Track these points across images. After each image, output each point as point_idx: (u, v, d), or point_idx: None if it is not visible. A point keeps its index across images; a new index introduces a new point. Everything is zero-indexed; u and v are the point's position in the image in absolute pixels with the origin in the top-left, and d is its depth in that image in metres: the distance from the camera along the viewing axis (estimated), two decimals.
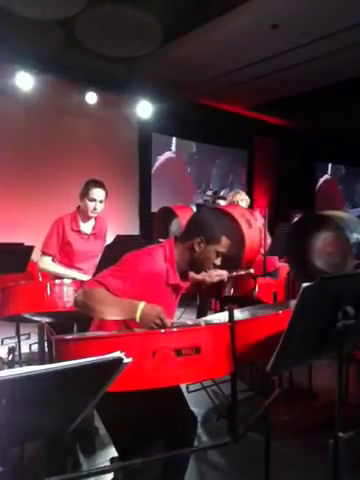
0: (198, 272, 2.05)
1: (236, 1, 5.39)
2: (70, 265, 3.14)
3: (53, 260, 3.14)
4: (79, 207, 3.20)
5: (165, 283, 1.88)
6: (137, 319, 1.65)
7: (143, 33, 5.84)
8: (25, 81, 6.53)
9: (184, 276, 1.98)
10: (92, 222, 3.24)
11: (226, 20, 5.77)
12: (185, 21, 5.82)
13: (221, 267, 2.18)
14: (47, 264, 3.11)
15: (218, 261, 1.95)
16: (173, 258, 1.90)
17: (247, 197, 4.47)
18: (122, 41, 5.92)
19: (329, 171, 12.34)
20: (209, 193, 5.18)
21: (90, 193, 3.10)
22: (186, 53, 6.68)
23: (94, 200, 3.11)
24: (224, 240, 1.92)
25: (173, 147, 9.53)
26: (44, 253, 3.13)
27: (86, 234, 3.19)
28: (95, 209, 3.13)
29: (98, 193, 3.12)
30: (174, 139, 9.46)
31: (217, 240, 1.90)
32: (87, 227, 3.21)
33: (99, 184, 3.15)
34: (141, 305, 1.65)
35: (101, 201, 3.15)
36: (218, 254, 1.93)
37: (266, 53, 6.71)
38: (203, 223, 1.95)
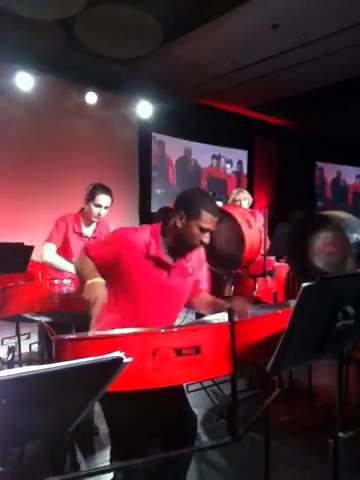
0: (186, 249, 2.00)
1: (236, 1, 5.40)
2: None
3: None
4: (82, 209, 3.19)
5: (144, 255, 1.92)
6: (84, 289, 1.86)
7: (143, 33, 5.85)
8: (25, 81, 6.54)
9: (174, 254, 1.99)
10: (93, 225, 3.23)
11: (226, 20, 5.78)
12: (185, 21, 5.82)
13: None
14: (52, 254, 3.08)
15: (206, 238, 1.92)
16: (157, 233, 1.96)
17: (250, 196, 4.41)
18: (122, 41, 5.93)
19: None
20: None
21: (96, 199, 3.07)
22: (186, 53, 6.68)
23: (100, 206, 3.09)
24: (205, 215, 1.87)
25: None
26: (48, 242, 3.10)
27: (87, 237, 3.17)
28: (99, 214, 3.12)
29: (104, 199, 3.10)
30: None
31: (197, 214, 1.87)
32: (88, 230, 3.20)
33: (106, 190, 3.12)
34: (91, 281, 1.84)
35: (106, 207, 3.13)
36: (202, 230, 1.89)
37: (266, 53, 6.72)
38: (183, 198, 1.97)
